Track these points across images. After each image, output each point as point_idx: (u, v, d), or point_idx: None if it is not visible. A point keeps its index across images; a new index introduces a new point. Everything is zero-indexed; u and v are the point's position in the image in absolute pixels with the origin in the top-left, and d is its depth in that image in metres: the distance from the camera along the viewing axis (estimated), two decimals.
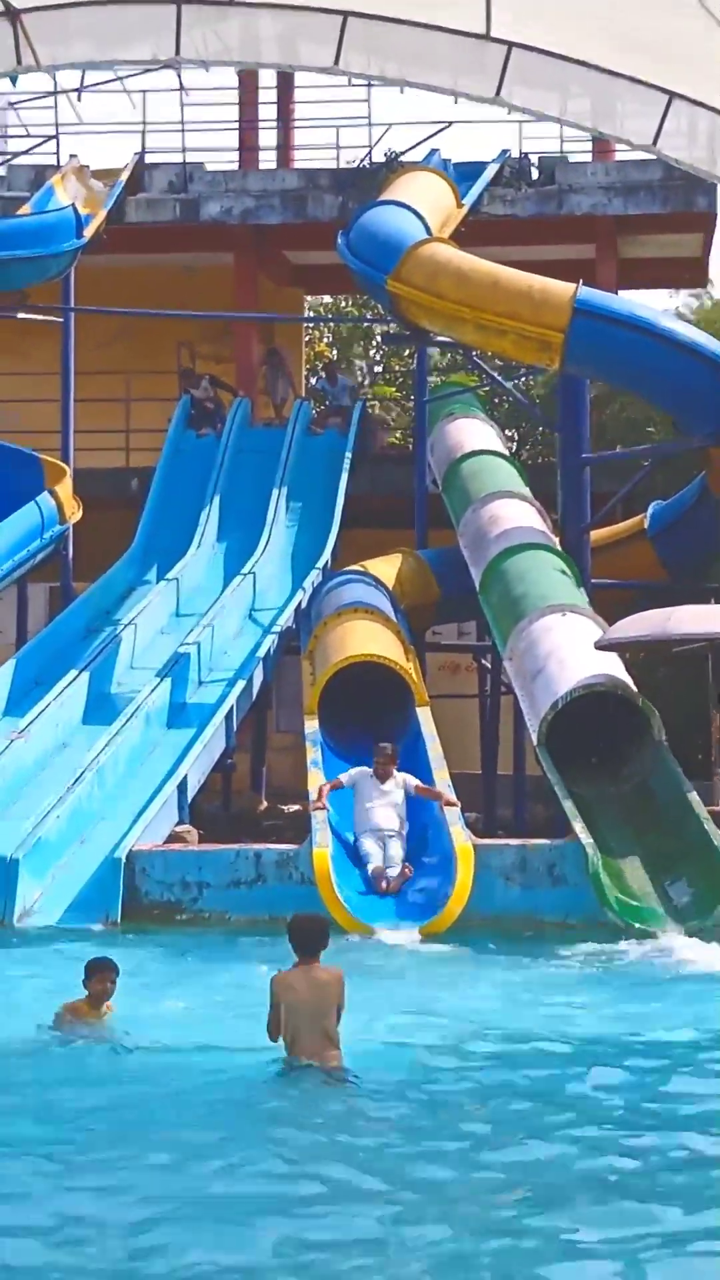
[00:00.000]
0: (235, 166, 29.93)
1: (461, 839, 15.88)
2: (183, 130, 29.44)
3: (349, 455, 26.34)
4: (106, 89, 28.54)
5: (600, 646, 17.71)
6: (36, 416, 26.73)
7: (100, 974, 10.81)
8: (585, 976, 13.33)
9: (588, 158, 28.99)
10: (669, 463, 23.95)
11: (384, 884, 15.83)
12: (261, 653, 21.43)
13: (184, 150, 29.42)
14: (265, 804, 23.48)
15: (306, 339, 35.69)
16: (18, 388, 27.83)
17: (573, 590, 19.64)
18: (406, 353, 33.04)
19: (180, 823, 17.27)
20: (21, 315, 25.50)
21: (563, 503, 21.64)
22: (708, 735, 24.94)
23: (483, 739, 24.24)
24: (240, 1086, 9.33)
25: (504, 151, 28.79)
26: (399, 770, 16.80)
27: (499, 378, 24.30)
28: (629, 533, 23.59)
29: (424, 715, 18.66)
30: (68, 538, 24.65)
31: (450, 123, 28.47)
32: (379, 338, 36.93)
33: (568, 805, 16.29)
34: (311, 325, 37.86)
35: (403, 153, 28.72)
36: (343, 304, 38.18)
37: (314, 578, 23.24)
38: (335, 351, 38.69)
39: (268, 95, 31.36)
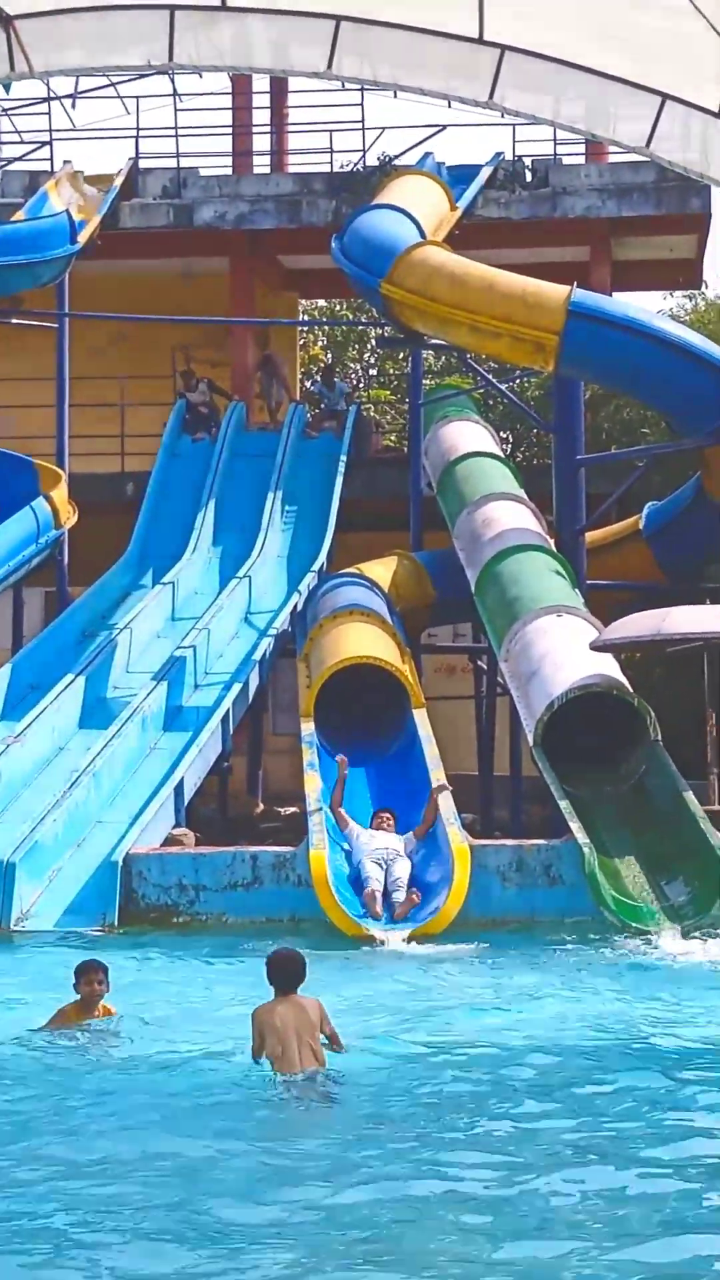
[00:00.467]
0: (229, 171, 29.94)
1: (458, 839, 15.90)
2: (176, 135, 29.54)
3: (344, 458, 26.40)
4: (100, 95, 28.64)
5: (595, 647, 17.73)
6: (31, 422, 26.74)
7: (87, 975, 10.81)
8: (582, 977, 13.34)
9: (581, 160, 29.03)
10: (664, 464, 24.00)
11: (378, 909, 15.44)
12: (257, 656, 21.45)
13: (178, 155, 29.52)
14: (262, 807, 23.51)
15: (301, 343, 35.70)
16: (12, 393, 27.84)
17: (568, 591, 19.66)
18: (401, 356, 33.04)
19: (177, 826, 17.30)
20: (16, 321, 25.53)
21: (558, 504, 21.68)
22: (703, 735, 25.00)
23: (479, 740, 24.25)
24: (234, 1090, 9.33)
25: (498, 154, 28.83)
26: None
27: (493, 380, 24.31)
28: (624, 534, 23.61)
29: (420, 717, 18.69)
30: (63, 542, 24.63)
31: (444, 126, 28.57)
32: (374, 341, 36.97)
33: (564, 805, 16.32)
34: (306, 329, 37.89)
35: (396, 156, 28.77)
36: (338, 308, 38.20)
37: (309, 581, 23.26)
38: (330, 355, 38.68)
39: (261, 100, 31.48)
